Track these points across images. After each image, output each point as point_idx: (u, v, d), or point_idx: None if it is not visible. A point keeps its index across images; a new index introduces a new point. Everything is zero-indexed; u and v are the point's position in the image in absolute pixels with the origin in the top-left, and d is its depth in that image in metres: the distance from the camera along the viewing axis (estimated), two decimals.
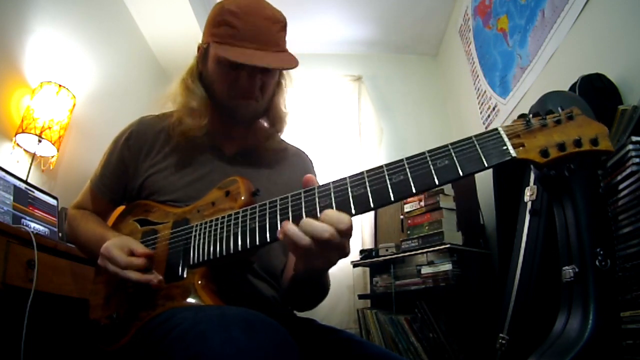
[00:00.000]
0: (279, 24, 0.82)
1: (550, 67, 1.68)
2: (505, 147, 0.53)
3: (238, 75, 0.81)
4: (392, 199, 0.54)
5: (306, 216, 0.57)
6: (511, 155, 0.53)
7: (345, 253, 0.56)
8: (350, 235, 0.55)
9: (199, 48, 0.88)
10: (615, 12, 1.31)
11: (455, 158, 0.54)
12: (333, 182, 0.59)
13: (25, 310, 0.94)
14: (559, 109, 0.56)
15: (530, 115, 0.56)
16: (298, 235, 0.54)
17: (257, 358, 0.44)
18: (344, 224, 0.53)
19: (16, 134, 1.56)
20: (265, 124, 0.95)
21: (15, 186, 1.37)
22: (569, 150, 0.52)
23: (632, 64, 1.22)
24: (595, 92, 1.20)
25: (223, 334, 0.45)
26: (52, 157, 1.72)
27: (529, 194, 1.33)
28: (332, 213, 0.54)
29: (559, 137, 0.53)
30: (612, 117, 1.04)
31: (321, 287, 0.77)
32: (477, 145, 0.54)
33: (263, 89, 0.84)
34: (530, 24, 1.82)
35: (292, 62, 0.80)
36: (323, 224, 0.53)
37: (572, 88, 1.24)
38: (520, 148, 0.54)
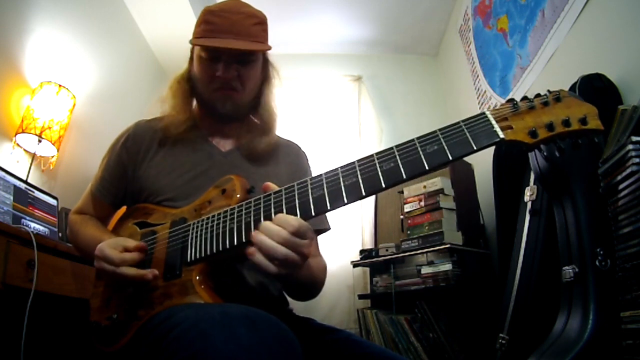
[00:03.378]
0: (255, 19, 0.87)
1: (550, 67, 1.67)
2: (493, 130, 0.53)
3: (216, 68, 0.84)
4: (383, 185, 0.54)
5: (299, 207, 0.58)
6: (499, 137, 0.52)
7: (304, 255, 0.58)
8: (303, 236, 0.56)
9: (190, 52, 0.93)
10: (615, 12, 1.31)
11: (444, 143, 0.54)
12: (325, 173, 0.59)
13: (25, 310, 0.94)
14: (547, 92, 0.56)
15: (517, 99, 0.56)
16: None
17: (259, 354, 0.44)
18: (291, 227, 0.55)
19: (16, 134, 1.56)
20: (257, 121, 0.96)
21: (15, 186, 1.37)
22: (557, 130, 0.52)
23: (632, 64, 1.22)
24: (595, 92, 1.20)
25: (225, 332, 0.45)
26: (52, 157, 1.72)
27: (529, 194, 1.33)
28: (280, 217, 0.56)
29: (547, 117, 0.53)
30: (612, 117, 1.04)
31: (307, 281, 0.77)
32: (465, 129, 0.54)
33: (241, 79, 0.87)
34: (530, 24, 1.81)
35: (261, 47, 0.85)
36: (277, 227, 0.56)
37: (572, 88, 1.24)
38: (509, 130, 0.53)
